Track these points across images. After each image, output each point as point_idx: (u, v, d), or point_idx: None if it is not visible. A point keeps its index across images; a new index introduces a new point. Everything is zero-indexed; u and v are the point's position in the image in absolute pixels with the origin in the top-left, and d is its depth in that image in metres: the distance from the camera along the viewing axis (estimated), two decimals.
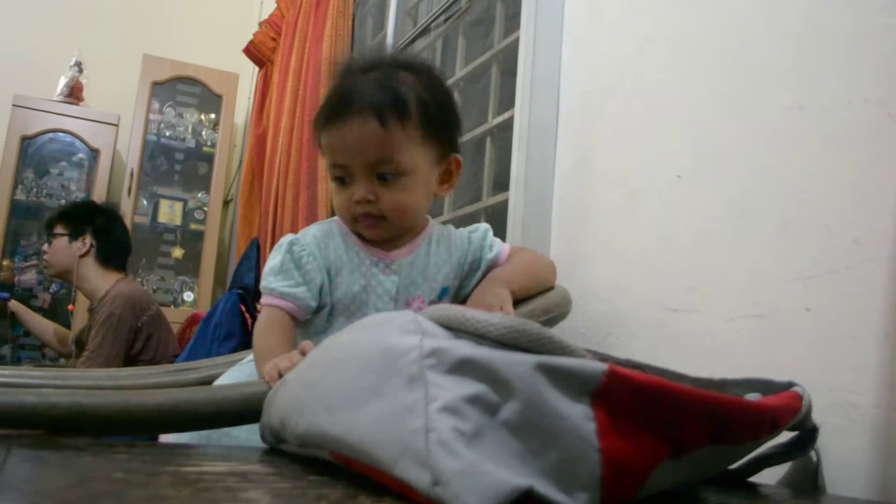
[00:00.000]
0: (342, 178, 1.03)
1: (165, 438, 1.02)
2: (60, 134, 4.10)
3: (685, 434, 0.50)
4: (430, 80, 1.06)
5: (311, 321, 1.07)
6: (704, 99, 1.18)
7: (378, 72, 1.02)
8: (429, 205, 1.09)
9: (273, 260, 1.05)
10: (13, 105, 3.94)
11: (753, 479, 0.79)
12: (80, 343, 2.52)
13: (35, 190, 4.07)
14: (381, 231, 1.05)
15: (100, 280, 2.52)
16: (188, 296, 4.22)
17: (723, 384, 0.76)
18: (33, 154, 4.08)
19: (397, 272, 1.06)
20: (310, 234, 1.08)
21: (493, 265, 1.14)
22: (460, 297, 1.13)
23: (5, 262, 3.92)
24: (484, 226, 1.17)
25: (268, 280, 1.04)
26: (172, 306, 4.11)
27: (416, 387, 0.46)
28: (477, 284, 1.12)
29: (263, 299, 1.04)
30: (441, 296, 1.09)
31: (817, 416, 0.77)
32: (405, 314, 0.53)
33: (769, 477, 0.82)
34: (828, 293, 0.91)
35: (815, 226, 0.95)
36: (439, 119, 1.04)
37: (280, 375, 0.82)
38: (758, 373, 0.77)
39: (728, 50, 1.15)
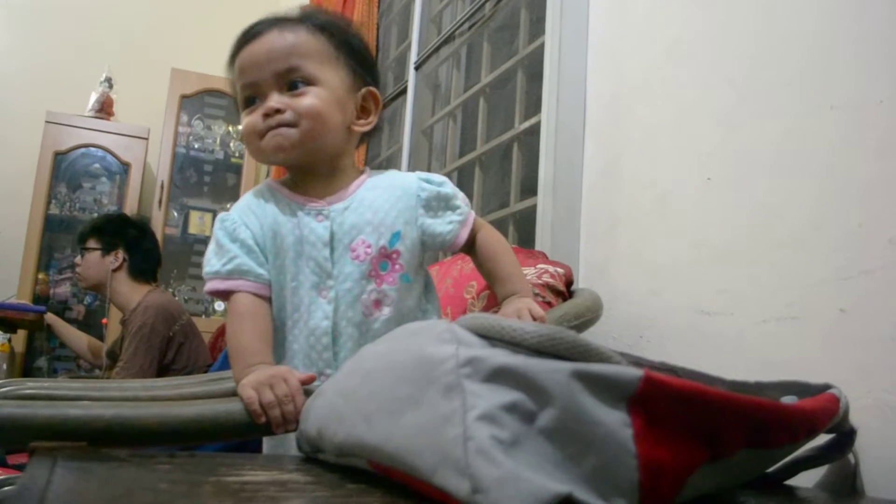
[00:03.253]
0: (252, 99, 1.01)
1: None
2: (92, 149, 4.17)
3: (722, 438, 0.50)
4: (338, 20, 1.08)
5: None
6: (733, 100, 1.17)
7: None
8: (349, 138, 1.06)
9: (210, 246, 1.00)
10: (46, 121, 4.01)
11: (791, 482, 0.79)
12: (113, 354, 2.55)
13: (68, 204, 4.14)
14: (290, 141, 0.98)
15: (132, 292, 2.55)
16: (219, 306, 4.26)
17: (758, 387, 0.76)
18: (66, 169, 4.16)
19: (329, 217, 0.99)
20: (240, 204, 1.03)
21: (466, 219, 1.07)
22: (433, 243, 1.06)
23: (41, 276, 3.99)
24: (444, 178, 1.10)
25: (210, 265, 0.98)
26: (204, 316, 4.16)
27: (453, 396, 0.47)
28: (451, 243, 1.07)
29: (209, 285, 0.98)
30: (393, 242, 1.01)
31: (855, 419, 0.76)
32: (440, 324, 0.54)
33: (807, 480, 0.82)
34: (863, 294, 0.91)
35: (849, 226, 0.94)
36: (348, 43, 1.05)
37: (263, 410, 0.82)
38: (792, 375, 0.77)
39: (756, 50, 1.14)
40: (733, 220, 1.14)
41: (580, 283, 1.48)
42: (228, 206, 4.33)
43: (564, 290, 1.25)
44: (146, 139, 4.20)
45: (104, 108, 4.22)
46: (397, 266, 1.01)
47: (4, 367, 3.38)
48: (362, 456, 0.57)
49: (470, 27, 2.34)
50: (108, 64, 4.24)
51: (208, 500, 0.48)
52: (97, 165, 4.25)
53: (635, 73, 1.44)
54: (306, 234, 0.98)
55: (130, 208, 4.00)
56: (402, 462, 0.50)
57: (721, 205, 1.16)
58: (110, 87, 4.26)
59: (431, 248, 1.08)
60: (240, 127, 1.03)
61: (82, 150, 4.15)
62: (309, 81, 0.99)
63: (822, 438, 0.76)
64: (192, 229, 4.31)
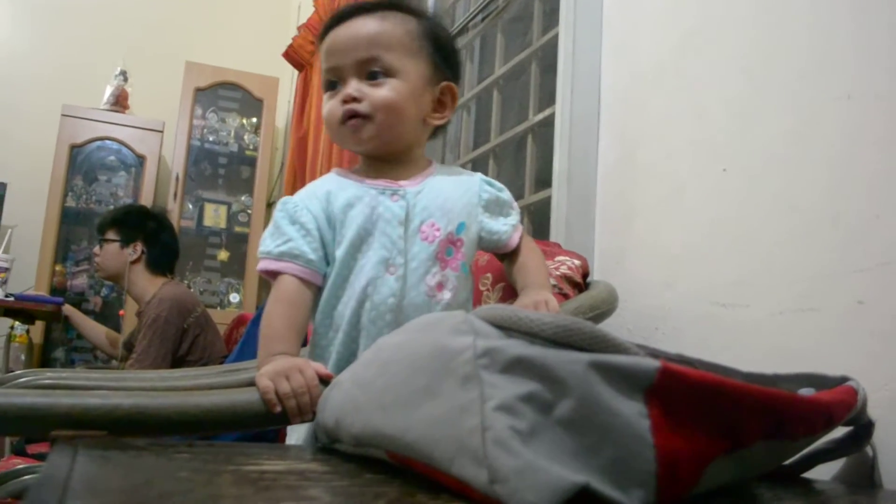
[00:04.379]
0: (333, 84, 1.04)
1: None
2: (108, 142, 4.19)
3: (740, 430, 0.50)
4: (431, 17, 1.10)
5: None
6: (748, 90, 1.16)
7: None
8: (423, 130, 1.07)
9: (268, 227, 1.02)
10: (62, 115, 4.03)
11: (808, 474, 0.79)
12: (130, 346, 2.57)
13: (85, 197, 4.16)
14: (367, 134, 1.01)
15: (148, 284, 2.57)
16: (234, 297, 4.28)
17: (775, 379, 0.75)
18: (82, 162, 4.18)
19: (404, 197, 1.02)
20: (305, 189, 1.06)
21: (518, 225, 1.12)
22: (489, 240, 1.09)
23: (58, 268, 4.02)
24: (503, 185, 1.14)
25: (264, 245, 1.00)
26: (219, 308, 4.17)
27: (470, 386, 0.47)
28: (499, 246, 1.10)
29: (261, 265, 0.99)
30: (459, 230, 1.03)
31: (872, 411, 0.76)
32: (457, 314, 0.54)
33: (824, 472, 0.81)
34: (881, 285, 0.90)
35: (866, 217, 0.93)
36: (433, 35, 1.06)
37: (279, 400, 0.83)
38: (809, 367, 0.76)
39: (771, 40, 1.13)
40: (750, 211, 1.13)
41: (595, 275, 1.47)
42: (243, 198, 4.36)
43: (581, 282, 1.25)
44: (161, 132, 4.22)
45: (119, 102, 4.24)
46: (460, 255, 1.03)
47: (23, 357, 3.41)
48: (380, 446, 0.57)
49: (483, 19, 2.34)
50: (122, 57, 4.25)
51: (228, 489, 0.49)
52: (113, 158, 4.27)
53: (650, 64, 1.43)
54: (381, 212, 1.00)
55: (146, 201, 4.02)
56: (419, 452, 0.50)
57: (737, 196, 1.16)
58: (125, 80, 4.28)
59: (485, 247, 1.11)
60: (323, 112, 1.06)
61: (98, 143, 4.17)
62: (388, 72, 1.01)
63: (840, 431, 0.76)
64: (207, 221, 4.32)
